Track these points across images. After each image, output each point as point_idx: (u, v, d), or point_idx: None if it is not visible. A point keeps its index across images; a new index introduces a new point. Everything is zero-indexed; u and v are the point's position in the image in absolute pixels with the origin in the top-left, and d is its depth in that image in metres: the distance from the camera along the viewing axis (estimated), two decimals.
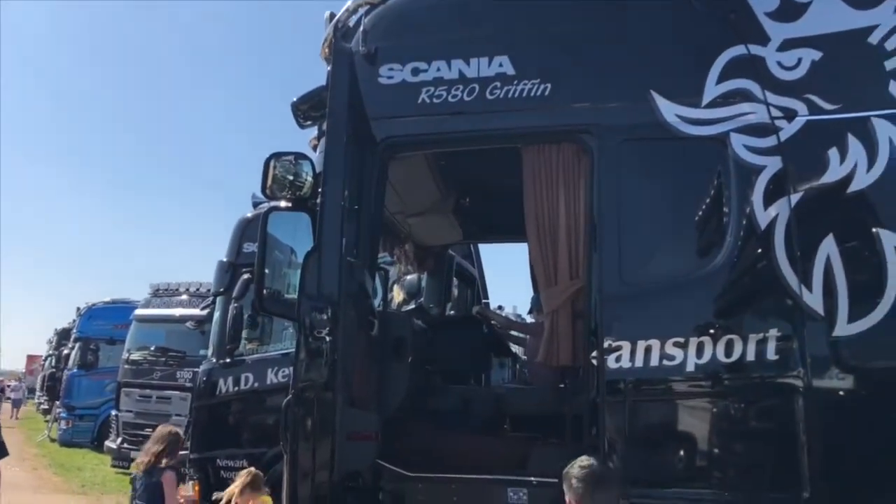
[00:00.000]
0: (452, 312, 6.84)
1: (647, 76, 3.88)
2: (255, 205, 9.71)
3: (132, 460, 9.32)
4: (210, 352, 8.98)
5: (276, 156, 3.77)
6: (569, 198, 4.03)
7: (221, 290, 8.97)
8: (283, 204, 3.81)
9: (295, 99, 4.04)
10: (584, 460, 3.10)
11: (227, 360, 8.49)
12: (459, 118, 4.03)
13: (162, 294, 17.04)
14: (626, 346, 3.62)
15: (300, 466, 3.03)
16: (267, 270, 4.15)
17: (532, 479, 3.75)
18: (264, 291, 3.63)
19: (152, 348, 16.92)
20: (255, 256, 8.63)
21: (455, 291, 8.44)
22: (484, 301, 9.15)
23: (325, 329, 2.95)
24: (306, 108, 3.98)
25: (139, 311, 17.21)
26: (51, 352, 34.02)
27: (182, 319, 16.06)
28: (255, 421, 8.49)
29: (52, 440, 22.19)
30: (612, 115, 3.90)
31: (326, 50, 4.32)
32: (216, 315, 9.04)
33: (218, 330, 8.84)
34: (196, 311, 15.80)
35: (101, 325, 21.20)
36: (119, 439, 16.08)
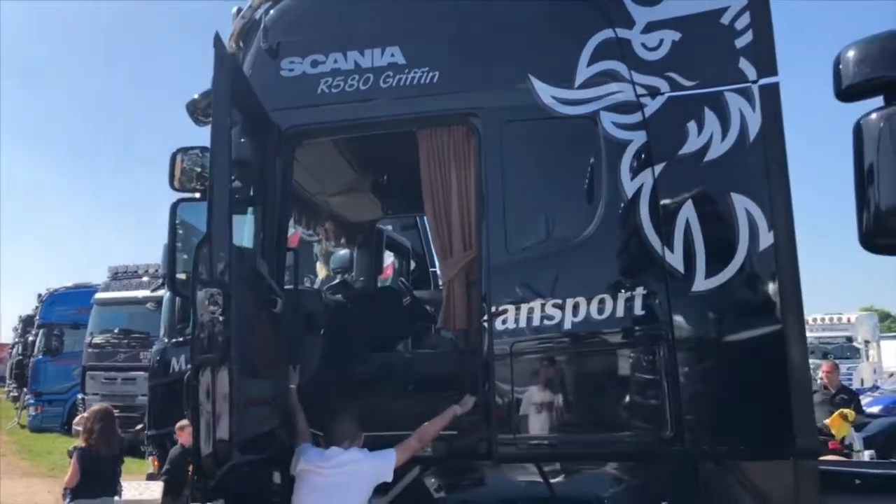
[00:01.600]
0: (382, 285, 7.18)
1: (525, 61, 4.19)
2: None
3: None
4: (162, 332, 9.33)
5: (183, 150, 4.06)
6: (460, 176, 4.36)
7: (168, 271, 9.27)
8: (190, 195, 4.11)
9: (192, 98, 4.32)
10: None
11: (179, 340, 8.85)
12: (357, 106, 4.31)
13: (121, 277, 17.29)
14: (512, 309, 4.00)
15: (202, 434, 3.38)
16: (185, 256, 4.48)
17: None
18: (176, 276, 3.96)
19: (115, 331, 17.22)
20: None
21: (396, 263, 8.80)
22: (431, 269, 9.53)
23: (218, 310, 3.27)
24: (204, 106, 4.26)
25: (99, 295, 17.45)
26: (17, 339, 33.96)
27: (143, 301, 16.38)
28: None
29: (23, 427, 22.38)
30: (495, 98, 4.20)
31: (233, 43, 4.59)
32: (165, 296, 9.38)
33: (168, 310, 9.20)
34: (156, 294, 16.08)
35: (64, 310, 21.36)
36: None
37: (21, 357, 29.62)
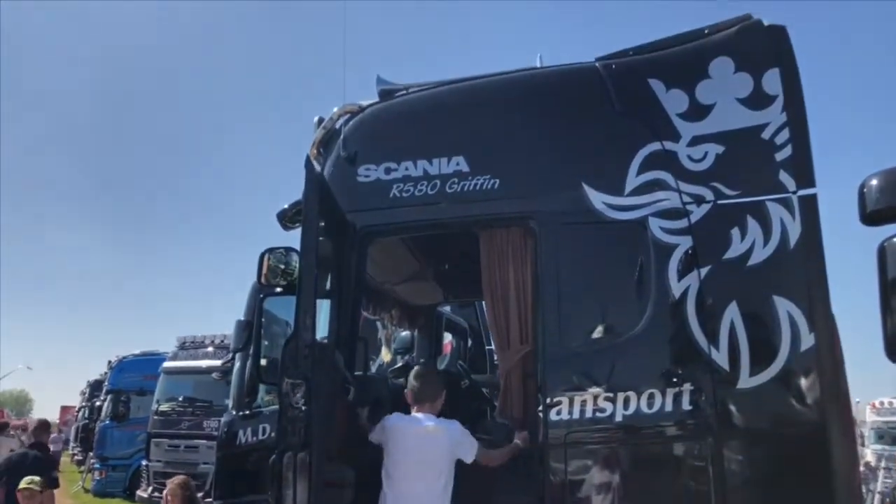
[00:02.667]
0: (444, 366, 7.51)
1: (578, 170, 4.57)
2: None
3: None
4: (230, 404, 9.78)
5: (270, 250, 4.55)
6: (518, 274, 4.73)
7: (240, 347, 9.78)
8: (276, 290, 4.57)
9: (282, 208, 4.83)
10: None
11: (246, 412, 9.28)
12: (425, 209, 4.73)
13: (188, 346, 17.90)
14: (566, 400, 4.29)
15: None
16: (266, 342, 4.92)
17: None
18: (261, 363, 4.38)
19: (180, 399, 17.73)
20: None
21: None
22: (487, 347, 9.82)
23: (301, 401, 3.66)
24: (292, 215, 4.76)
25: (167, 364, 18.06)
26: (84, 403, 34.96)
27: (208, 371, 16.91)
28: None
29: (87, 491, 22.88)
30: (550, 203, 4.59)
31: (314, 150, 5.12)
32: (235, 370, 9.85)
33: (237, 384, 9.65)
34: (220, 363, 16.66)
35: (132, 376, 22.01)
36: (150, 488, 16.82)
37: (87, 421, 30.51)
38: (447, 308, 8.73)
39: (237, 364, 9.82)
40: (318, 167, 4.98)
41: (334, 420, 4.07)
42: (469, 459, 4.49)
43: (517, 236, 4.76)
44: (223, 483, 9.56)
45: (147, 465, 17.43)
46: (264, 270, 4.51)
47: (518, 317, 4.70)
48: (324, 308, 4.78)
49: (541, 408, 4.34)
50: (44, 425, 10.44)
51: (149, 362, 21.47)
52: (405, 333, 7.27)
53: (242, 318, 9.93)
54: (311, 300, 3.89)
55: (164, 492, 7.15)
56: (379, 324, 7.06)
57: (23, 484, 5.62)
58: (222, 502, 9.38)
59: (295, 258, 4.54)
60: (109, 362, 26.26)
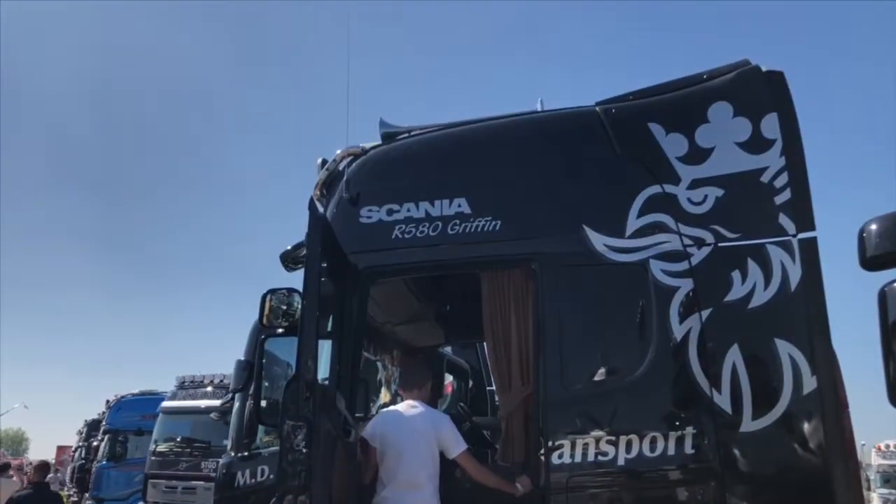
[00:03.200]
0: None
1: (580, 212, 4.60)
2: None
3: None
4: (229, 445, 9.66)
5: (272, 291, 4.55)
6: (518, 314, 4.74)
7: (239, 387, 9.72)
8: (278, 331, 4.57)
9: (285, 249, 4.86)
10: None
11: (245, 454, 9.17)
12: (426, 250, 4.75)
13: (188, 386, 17.76)
14: (567, 443, 4.26)
15: None
16: (267, 383, 4.90)
17: None
18: (262, 404, 4.36)
19: (178, 439, 17.52)
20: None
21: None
22: (488, 388, 9.75)
23: (302, 444, 3.64)
24: (295, 256, 4.78)
25: (166, 404, 17.89)
26: (80, 443, 34.57)
27: (207, 411, 16.76)
28: None
29: None
30: (551, 245, 4.61)
31: (317, 192, 5.16)
32: (234, 410, 9.75)
33: (236, 424, 9.54)
34: (219, 403, 16.54)
35: (130, 416, 21.73)
36: None
37: (84, 461, 30.14)
38: (448, 349, 8.70)
39: (236, 404, 9.73)
40: (321, 208, 5.02)
41: (335, 463, 4.04)
42: (452, 454, 4.57)
43: (519, 278, 4.77)
44: None
45: None
46: (266, 311, 4.52)
47: (519, 358, 4.69)
48: (325, 349, 4.78)
49: (542, 451, 4.31)
50: (45, 466, 11.04)
51: (147, 402, 21.26)
52: None
53: (242, 359, 9.89)
54: (312, 341, 3.90)
55: None
56: (379, 364, 7.04)
57: None
58: None
59: (297, 299, 4.55)
60: (108, 401, 26.05)
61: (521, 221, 4.72)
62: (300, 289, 4.64)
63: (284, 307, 4.53)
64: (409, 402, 4.76)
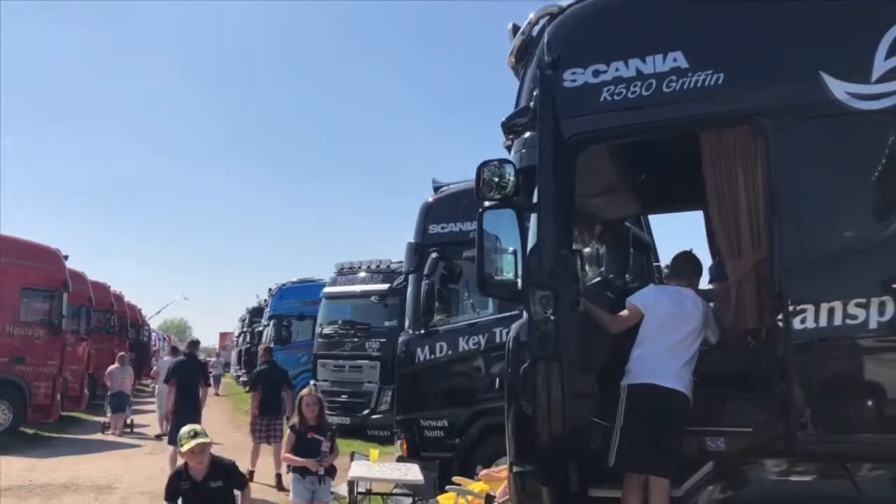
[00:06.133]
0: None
1: (815, 58, 4.14)
2: (436, 189, 10.57)
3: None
4: (407, 324, 9.98)
5: (485, 163, 4.41)
6: (747, 177, 4.39)
7: (412, 269, 9.94)
8: (491, 203, 4.45)
9: (505, 118, 4.66)
10: None
11: (423, 332, 9.47)
12: (639, 111, 4.44)
13: (346, 272, 18.47)
14: (811, 308, 3.99)
15: (539, 420, 3.71)
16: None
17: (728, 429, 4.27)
18: (486, 276, 4.31)
19: (340, 322, 18.44)
20: (440, 237, 9.57)
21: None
22: (655, 264, 9.50)
23: (550, 311, 3.58)
24: (511, 126, 4.59)
25: (328, 290, 18.75)
26: (244, 329, 37.27)
27: (365, 294, 17.48)
28: (451, 385, 9.43)
29: None
30: (783, 97, 4.19)
31: (513, 59, 4.91)
32: (409, 291, 10.00)
33: (412, 304, 9.81)
34: (376, 286, 17.18)
35: (292, 303, 23.09)
36: None
37: (249, 345, 32.56)
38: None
39: (410, 286, 9.97)
40: (516, 79, 4.79)
41: (577, 331, 4.00)
42: (713, 340, 4.82)
43: (745, 136, 4.40)
44: (404, 399, 9.87)
45: (315, 385, 18.31)
46: (480, 184, 4.40)
47: (749, 222, 4.39)
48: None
49: (780, 316, 4.06)
50: (196, 343, 13.80)
51: (307, 289, 22.47)
52: (589, 250, 7.05)
53: (413, 241, 10.06)
54: (551, 211, 3.77)
55: (300, 399, 7.48)
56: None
57: (194, 442, 5.14)
58: (404, 417, 9.70)
59: (508, 170, 4.41)
60: (270, 290, 27.70)
61: (746, 72, 4.30)
62: (511, 159, 4.52)
63: (496, 179, 4.39)
64: (682, 289, 4.82)
